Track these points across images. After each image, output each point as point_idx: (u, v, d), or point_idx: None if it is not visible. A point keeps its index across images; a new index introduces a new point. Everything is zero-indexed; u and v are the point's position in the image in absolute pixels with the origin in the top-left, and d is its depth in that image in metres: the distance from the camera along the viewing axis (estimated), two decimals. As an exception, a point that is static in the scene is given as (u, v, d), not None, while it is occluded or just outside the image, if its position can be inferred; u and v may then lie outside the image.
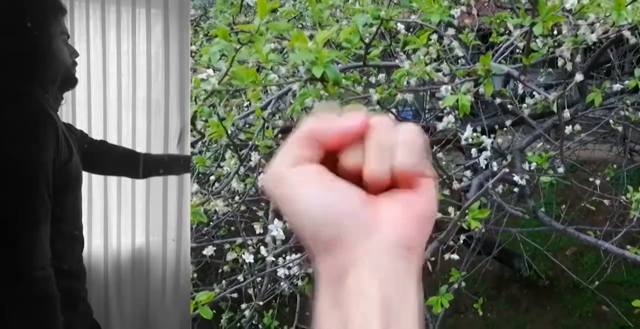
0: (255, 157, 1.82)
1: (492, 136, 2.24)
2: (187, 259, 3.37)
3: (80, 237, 1.75)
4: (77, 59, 1.79)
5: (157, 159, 2.21)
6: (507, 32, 2.18)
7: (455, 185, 2.01)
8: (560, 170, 2.15)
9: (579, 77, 1.71)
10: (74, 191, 1.68)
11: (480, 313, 2.51)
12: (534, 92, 2.06)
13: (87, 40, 3.12)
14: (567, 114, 1.79)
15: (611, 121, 2.38)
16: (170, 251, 3.34)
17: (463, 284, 2.11)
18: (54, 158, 1.53)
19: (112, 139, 3.19)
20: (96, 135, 3.12)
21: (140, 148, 3.23)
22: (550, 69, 2.84)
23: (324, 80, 1.30)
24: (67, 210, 1.64)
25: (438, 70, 1.84)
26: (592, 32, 1.70)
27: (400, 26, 1.93)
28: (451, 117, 1.88)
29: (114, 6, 3.16)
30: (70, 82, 1.76)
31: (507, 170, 1.86)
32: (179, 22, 3.18)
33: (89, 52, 3.09)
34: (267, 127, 1.83)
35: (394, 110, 2.02)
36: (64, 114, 2.71)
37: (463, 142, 1.88)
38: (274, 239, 1.72)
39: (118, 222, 3.26)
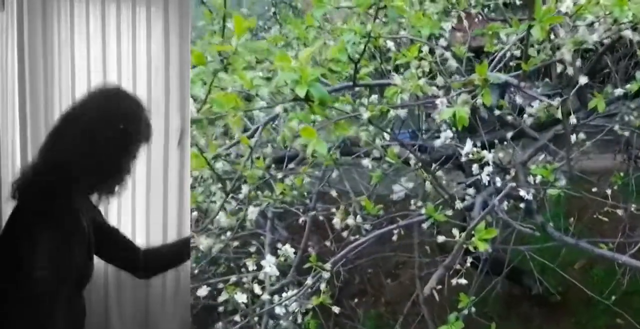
0: (245, 189, 1.72)
1: (493, 150, 2.15)
2: (186, 259, 3.33)
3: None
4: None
5: (158, 255, 2.08)
6: (500, 42, 2.12)
7: (458, 204, 1.90)
8: (562, 182, 2.05)
9: (582, 79, 1.64)
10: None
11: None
12: (532, 103, 1.99)
13: (87, 40, 3.12)
14: (573, 119, 1.71)
15: (616, 126, 2.29)
16: (170, 251, 3.30)
17: (473, 309, 1.99)
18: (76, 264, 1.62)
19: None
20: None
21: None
22: (546, 79, 2.78)
23: (309, 100, 1.20)
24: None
25: (432, 85, 1.75)
26: (592, 33, 1.63)
27: (390, 44, 1.87)
28: (449, 133, 1.79)
29: (114, 6, 3.15)
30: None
31: (513, 184, 1.75)
32: (180, 21, 3.15)
33: (89, 52, 3.11)
34: (259, 158, 1.74)
35: (388, 130, 1.92)
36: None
37: (463, 158, 1.79)
38: (268, 276, 1.62)
39: (118, 222, 3.23)
